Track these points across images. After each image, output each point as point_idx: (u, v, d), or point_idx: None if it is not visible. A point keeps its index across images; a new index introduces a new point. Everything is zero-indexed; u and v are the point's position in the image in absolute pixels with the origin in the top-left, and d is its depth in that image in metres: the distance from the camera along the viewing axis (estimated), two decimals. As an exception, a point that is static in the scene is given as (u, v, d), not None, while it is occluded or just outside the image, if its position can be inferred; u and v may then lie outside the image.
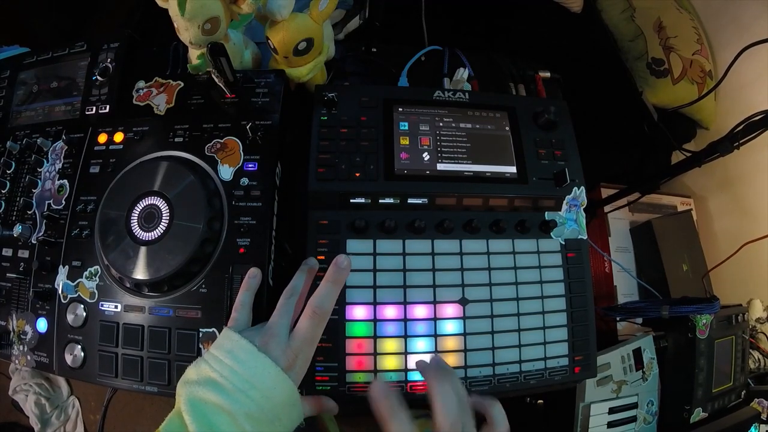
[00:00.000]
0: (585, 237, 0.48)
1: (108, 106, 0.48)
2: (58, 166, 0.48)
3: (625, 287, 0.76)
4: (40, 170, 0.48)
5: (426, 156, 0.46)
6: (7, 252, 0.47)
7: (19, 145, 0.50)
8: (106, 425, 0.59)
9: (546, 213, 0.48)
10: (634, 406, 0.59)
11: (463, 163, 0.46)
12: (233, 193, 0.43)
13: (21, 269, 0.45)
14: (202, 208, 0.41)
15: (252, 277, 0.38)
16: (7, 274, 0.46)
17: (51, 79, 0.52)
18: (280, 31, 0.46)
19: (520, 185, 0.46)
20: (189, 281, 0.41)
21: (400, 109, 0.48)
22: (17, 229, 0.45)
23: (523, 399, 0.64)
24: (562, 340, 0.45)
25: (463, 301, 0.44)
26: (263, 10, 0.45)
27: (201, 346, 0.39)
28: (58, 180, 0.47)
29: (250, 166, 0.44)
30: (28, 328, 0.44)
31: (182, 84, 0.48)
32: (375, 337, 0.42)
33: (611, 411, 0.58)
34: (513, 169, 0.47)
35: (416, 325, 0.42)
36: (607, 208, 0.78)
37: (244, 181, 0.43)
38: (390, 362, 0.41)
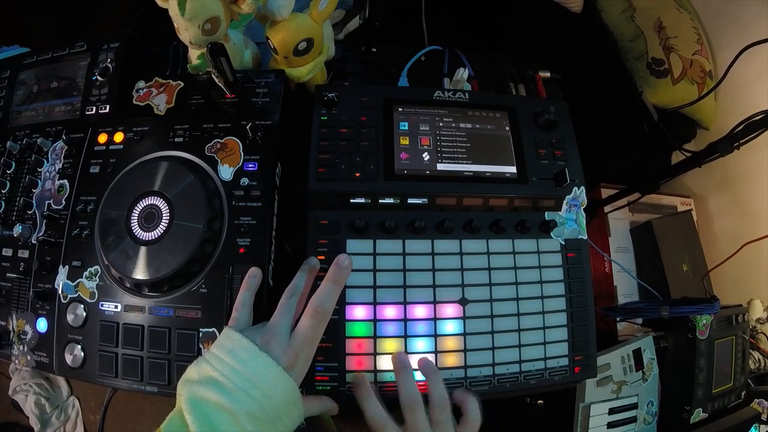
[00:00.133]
0: (585, 237, 0.48)
1: (108, 106, 0.48)
2: (58, 166, 0.48)
3: (625, 287, 0.76)
4: (40, 170, 0.48)
5: (426, 156, 0.46)
6: (7, 252, 0.47)
7: (19, 145, 0.50)
8: (106, 425, 0.59)
9: (546, 213, 0.48)
10: (634, 406, 0.59)
11: (463, 163, 0.46)
12: (233, 193, 0.43)
13: (21, 269, 0.45)
14: (202, 208, 0.41)
15: (252, 276, 0.38)
16: (7, 274, 0.46)
17: (51, 79, 0.52)
18: (280, 31, 0.46)
19: (520, 185, 0.46)
20: (189, 281, 0.41)
21: (400, 109, 0.48)
22: (17, 229, 0.45)
23: (523, 399, 0.64)
24: (562, 340, 0.45)
25: (463, 301, 0.44)
26: (263, 10, 0.45)
27: (201, 346, 0.39)
28: (58, 180, 0.47)
29: (250, 166, 0.44)
30: (28, 328, 0.44)
31: (182, 84, 0.48)
32: (375, 337, 0.42)
33: (611, 411, 0.58)
34: (513, 169, 0.47)
35: (416, 325, 0.42)
36: (607, 208, 0.78)
37: (244, 181, 0.43)
38: (390, 362, 0.41)
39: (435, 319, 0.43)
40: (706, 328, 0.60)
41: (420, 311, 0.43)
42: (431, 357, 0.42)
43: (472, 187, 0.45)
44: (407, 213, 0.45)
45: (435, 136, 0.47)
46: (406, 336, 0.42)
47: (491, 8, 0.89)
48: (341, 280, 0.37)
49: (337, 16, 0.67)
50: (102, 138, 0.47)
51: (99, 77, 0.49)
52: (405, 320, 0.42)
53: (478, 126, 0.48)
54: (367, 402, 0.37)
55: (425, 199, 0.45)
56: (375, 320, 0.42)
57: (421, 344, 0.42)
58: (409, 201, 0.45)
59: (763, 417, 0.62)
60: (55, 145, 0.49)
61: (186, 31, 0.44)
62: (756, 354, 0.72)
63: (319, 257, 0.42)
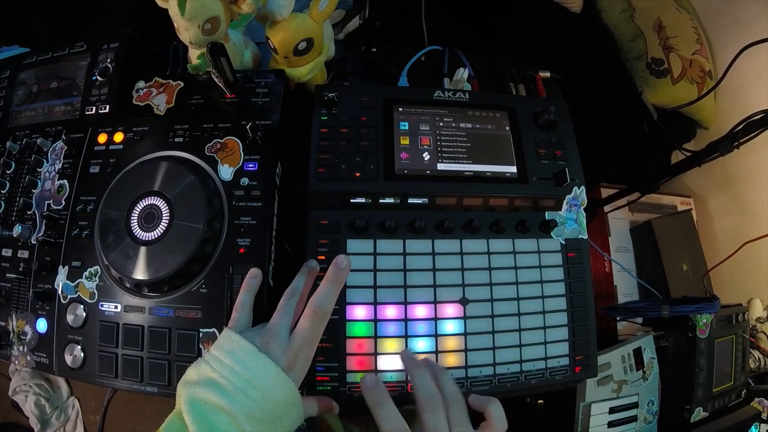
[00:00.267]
0: (585, 237, 0.48)
1: (108, 106, 0.48)
2: (58, 166, 0.48)
3: (625, 287, 0.76)
4: (39, 170, 0.48)
5: (426, 156, 0.46)
6: (7, 252, 0.47)
7: (19, 145, 0.50)
8: (106, 426, 0.59)
9: (546, 213, 0.48)
10: (635, 405, 0.59)
11: (463, 163, 0.46)
12: (233, 193, 0.43)
13: (21, 269, 0.45)
14: (202, 208, 0.41)
15: (252, 277, 0.38)
16: (7, 275, 0.46)
17: (51, 79, 0.52)
18: (280, 31, 0.46)
19: (520, 185, 0.46)
20: (189, 281, 0.41)
21: (400, 109, 0.48)
22: (17, 230, 0.45)
23: (523, 399, 0.64)
24: (563, 340, 0.45)
25: (464, 301, 0.44)
26: (263, 10, 0.45)
27: (201, 346, 0.39)
28: (58, 180, 0.47)
29: (250, 166, 0.44)
30: (27, 329, 0.44)
31: (182, 84, 0.48)
32: (375, 337, 0.42)
33: (612, 411, 0.58)
34: (513, 169, 0.47)
35: (417, 325, 0.42)
36: (607, 208, 0.78)
37: (244, 181, 0.43)
38: (390, 362, 0.41)
39: (435, 319, 0.43)
40: (706, 327, 0.60)
41: (420, 311, 0.43)
42: (432, 357, 0.42)
43: (472, 187, 0.45)
44: (407, 213, 0.45)
45: (435, 135, 0.47)
46: (406, 336, 0.42)
47: (491, 8, 0.89)
48: (340, 280, 0.37)
49: (337, 16, 0.67)
50: (102, 138, 0.47)
51: (99, 77, 0.49)
52: (405, 320, 0.42)
53: (478, 126, 0.48)
54: (383, 408, 0.34)
55: (425, 199, 0.45)
56: (375, 320, 0.42)
57: (421, 344, 0.42)
58: (410, 201, 0.45)
59: (764, 416, 0.62)
60: (54, 145, 0.49)
61: (186, 31, 0.44)
62: (756, 353, 0.72)
63: (319, 257, 0.42)
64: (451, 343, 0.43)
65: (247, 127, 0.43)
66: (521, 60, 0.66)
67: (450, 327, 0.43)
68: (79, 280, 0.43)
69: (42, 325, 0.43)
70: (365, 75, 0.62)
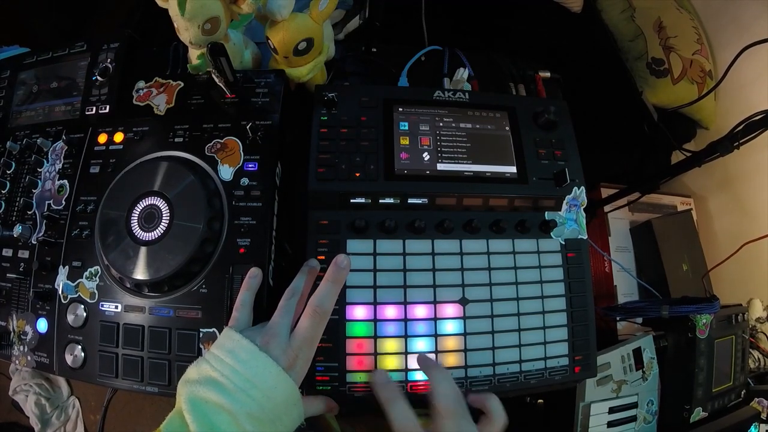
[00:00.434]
0: (585, 237, 0.48)
1: (108, 106, 0.48)
2: (58, 166, 0.48)
3: (625, 287, 0.76)
4: (40, 170, 0.48)
5: (426, 156, 0.46)
6: (7, 252, 0.47)
7: (19, 145, 0.50)
8: (106, 425, 0.59)
9: (546, 213, 0.48)
10: (634, 405, 0.59)
11: (463, 163, 0.46)
12: (233, 193, 0.43)
13: (21, 269, 0.45)
14: (202, 208, 0.41)
15: (252, 277, 0.38)
16: (7, 275, 0.46)
17: (51, 79, 0.52)
18: (280, 31, 0.46)
19: (520, 185, 0.46)
20: (189, 281, 0.41)
21: (400, 109, 0.48)
22: (17, 230, 0.45)
23: (523, 399, 0.64)
24: (562, 340, 0.45)
25: (464, 301, 0.44)
26: (263, 10, 0.45)
27: (201, 346, 0.40)
28: (58, 180, 0.47)
29: (250, 166, 0.44)
30: (28, 329, 0.44)
31: (182, 84, 0.48)
32: (375, 337, 0.42)
33: (611, 410, 0.58)
34: (513, 169, 0.47)
35: (416, 325, 0.42)
36: (607, 208, 0.78)
37: (244, 181, 0.43)
38: (390, 362, 0.41)
39: (435, 319, 0.43)
40: (706, 327, 0.60)
41: (420, 311, 0.43)
42: (431, 357, 0.42)
43: (472, 187, 0.45)
44: (407, 213, 0.45)
45: (435, 136, 0.47)
46: (406, 336, 0.42)
47: (491, 8, 0.89)
48: (340, 279, 0.37)
49: (337, 16, 0.67)
50: (102, 138, 0.47)
51: (99, 77, 0.49)
52: (405, 320, 0.42)
53: (478, 126, 0.48)
54: (395, 406, 0.34)
55: (425, 199, 0.45)
56: (375, 320, 0.42)
57: (421, 344, 0.42)
58: (409, 201, 0.45)
59: (763, 416, 0.62)
60: (55, 145, 0.49)
61: (186, 31, 0.44)
62: (756, 353, 0.72)
63: (319, 257, 0.42)
64: (451, 343, 0.43)
65: (247, 127, 0.43)
66: (521, 60, 0.66)
67: (450, 327, 0.43)
68: (80, 280, 0.43)
69: (42, 324, 0.43)
70: (365, 75, 0.62)
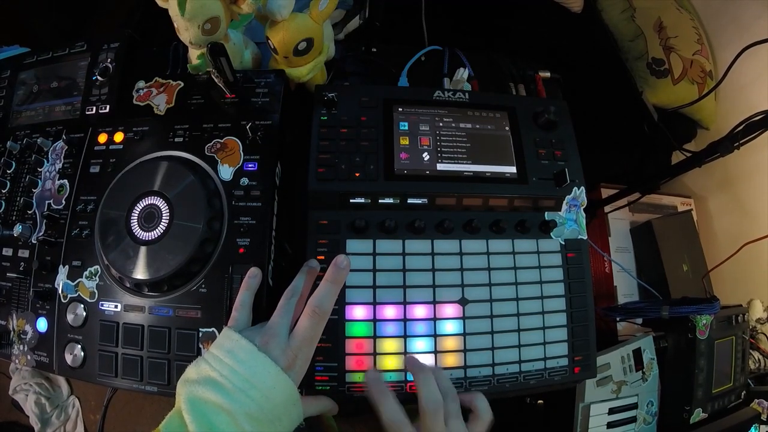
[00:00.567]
0: (585, 237, 0.48)
1: (108, 106, 0.48)
2: (58, 166, 0.48)
3: (625, 287, 0.76)
4: (40, 170, 0.48)
5: (426, 156, 0.46)
6: (7, 252, 0.47)
7: (19, 145, 0.50)
8: (106, 425, 0.60)
9: (546, 213, 0.48)
10: (634, 406, 0.59)
11: (463, 163, 0.46)
12: (233, 193, 0.43)
13: (21, 269, 0.45)
14: (202, 208, 0.41)
15: (252, 276, 0.38)
16: (8, 274, 0.46)
17: (51, 79, 0.52)
18: (280, 31, 0.46)
19: (520, 185, 0.46)
20: (189, 281, 0.41)
21: (400, 109, 0.48)
22: (17, 229, 0.45)
23: (523, 399, 0.64)
24: (562, 341, 0.45)
25: (463, 301, 0.44)
26: (263, 10, 0.45)
27: (201, 345, 0.40)
28: (58, 180, 0.47)
29: (250, 166, 0.44)
30: (28, 328, 0.44)
31: (182, 84, 0.48)
32: (375, 337, 0.42)
33: (611, 411, 0.58)
34: (513, 169, 0.47)
35: (416, 325, 0.42)
36: (607, 208, 0.78)
37: (244, 181, 0.43)
38: (390, 362, 0.41)
39: (435, 319, 0.43)
40: (706, 328, 0.60)
41: (420, 311, 0.43)
42: (431, 357, 0.42)
43: (472, 187, 0.45)
44: (407, 213, 0.45)
45: (435, 136, 0.47)
46: (405, 336, 0.42)
47: (491, 8, 0.89)
48: (339, 280, 0.37)
49: (337, 16, 0.67)
50: (102, 138, 0.47)
51: (99, 77, 0.49)
52: (405, 320, 0.42)
53: (478, 126, 0.48)
54: (383, 401, 0.36)
55: (425, 199, 0.45)
56: (375, 320, 0.42)
57: (420, 344, 0.42)
58: (409, 201, 0.45)
59: (763, 417, 0.62)
60: (55, 145, 0.49)
61: (186, 31, 0.44)
62: (756, 354, 0.72)
63: (318, 257, 0.42)
64: (450, 343, 0.43)
65: (247, 127, 0.43)
66: (521, 60, 0.66)
67: (449, 327, 0.43)
68: (80, 279, 0.43)
69: (42, 324, 0.43)
70: (365, 75, 0.62)
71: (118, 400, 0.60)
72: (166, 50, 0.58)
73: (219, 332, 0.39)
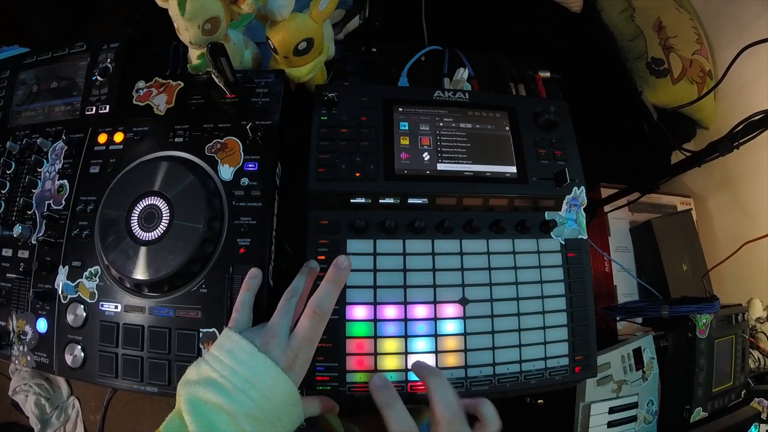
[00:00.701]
0: (585, 237, 0.48)
1: (108, 106, 0.48)
2: (58, 166, 0.48)
3: (625, 287, 0.76)
4: (40, 170, 0.48)
5: (426, 156, 0.46)
6: (7, 252, 0.47)
7: (19, 145, 0.50)
8: (106, 425, 0.59)
9: (546, 213, 0.48)
10: (634, 405, 0.59)
11: (463, 163, 0.46)
12: (233, 193, 0.43)
13: (21, 269, 0.45)
14: (202, 208, 0.41)
15: (252, 277, 0.38)
16: (7, 275, 0.46)
17: (51, 79, 0.52)
18: (280, 31, 0.46)
19: (520, 185, 0.46)
20: (189, 281, 0.41)
21: (400, 109, 0.48)
22: (17, 230, 0.45)
23: (523, 399, 0.64)
24: (562, 340, 0.45)
25: (464, 301, 0.44)
26: (263, 10, 0.45)
27: (201, 346, 0.39)
28: (58, 180, 0.47)
29: (250, 166, 0.44)
30: (28, 329, 0.44)
31: (182, 84, 0.48)
32: (375, 337, 0.42)
33: (611, 411, 0.58)
34: (513, 169, 0.47)
35: (416, 325, 0.42)
36: (607, 208, 0.78)
37: (244, 181, 0.43)
38: (390, 362, 0.41)
39: (435, 319, 0.43)
40: (706, 327, 0.60)
41: (420, 311, 0.43)
42: (431, 357, 0.42)
43: (472, 187, 0.45)
44: (407, 213, 0.45)
45: (435, 136, 0.47)
46: (406, 336, 0.42)
47: (491, 8, 0.89)
48: (340, 280, 0.37)
49: (337, 16, 0.67)
50: (102, 138, 0.47)
51: (99, 77, 0.49)
52: (405, 320, 0.42)
53: (478, 126, 0.48)
54: (392, 409, 0.34)
55: (425, 199, 0.45)
56: (375, 320, 0.42)
57: (421, 344, 0.42)
58: (409, 201, 0.45)
59: (763, 416, 0.62)
60: (55, 145, 0.49)
61: (186, 31, 0.44)
62: (756, 353, 0.72)
63: (319, 257, 0.42)
64: (451, 343, 0.43)
65: (247, 127, 0.43)
66: (521, 60, 0.66)
67: (450, 327, 0.43)
68: (79, 280, 0.43)
69: (42, 324, 0.43)
70: (365, 75, 0.62)
71: (118, 401, 0.60)
72: (166, 50, 0.57)
73: (219, 333, 0.39)
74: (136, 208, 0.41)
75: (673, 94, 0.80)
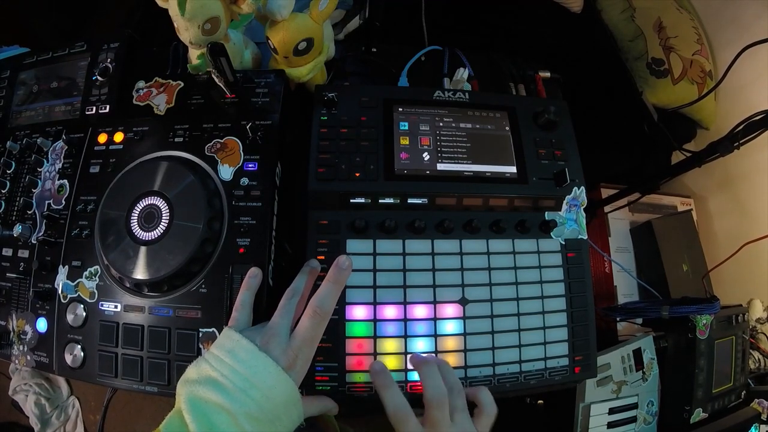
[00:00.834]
0: (585, 237, 0.48)
1: (108, 106, 0.48)
2: (58, 166, 0.48)
3: (625, 287, 0.76)
4: (40, 170, 0.48)
5: (426, 156, 0.46)
6: (7, 252, 0.47)
7: (19, 145, 0.50)
8: (106, 425, 0.59)
9: (546, 213, 0.48)
10: (634, 406, 0.59)
11: (463, 163, 0.46)
12: (233, 193, 0.43)
13: (21, 269, 0.45)
14: (202, 208, 0.41)
15: (252, 276, 0.38)
16: (7, 274, 0.46)
17: (51, 79, 0.52)
18: (280, 31, 0.46)
19: (520, 185, 0.46)
20: (189, 281, 0.41)
21: (400, 109, 0.48)
22: (17, 229, 0.45)
23: (523, 399, 0.64)
24: (562, 340, 0.45)
25: (463, 301, 0.44)
26: (263, 10, 0.45)
27: (201, 346, 0.39)
28: (58, 180, 0.47)
29: (250, 166, 0.44)
30: (28, 328, 0.44)
31: (182, 84, 0.48)
32: (375, 337, 0.42)
33: (611, 411, 0.58)
34: (513, 169, 0.47)
35: (416, 325, 0.42)
36: (607, 208, 0.78)
37: (244, 181, 0.43)
38: (390, 362, 0.41)
39: (435, 319, 0.43)
40: (706, 328, 0.60)
41: (420, 311, 0.43)
42: (425, 356, 0.42)
43: (472, 187, 0.45)
44: (407, 213, 0.45)
45: (435, 136, 0.47)
46: (406, 336, 0.42)
47: (491, 8, 0.89)
48: (341, 280, 0.37)
49: (337, 16, 0.67)
50: (102, 138, 0.47)
51: (99, 77, 0.49)
52: (405, 320, 0.42)
53: (478, 126, 0.48)
54: (388, 391, 0.36)
55: (425, 199, 0.45)
56: (375, 320, 0.42)
57: (421, 344, 0.42)
58: (409, 201, 0.45)
59: (763, 417, 0.62)
60: (55, 145, 0.49)
61: (186, 31, 0.44)
62: (756, 354, 0.72)
63: (319, 257, 0.42)
64: (451, 343, 0.43)
65: (247, 127, 0.43)
66: (521, 60, 0.66)
67: (449, 327, 0.43)
68: (79, 279, 0.43)
69: (42, 324, 0.43)
70: (365, 75, 0.62)
71: (118, 401, 0.60)
72: (166, 50, 0.57)
73: (219, 332, 0.39)
74: (136, 207, 0.41)
75: (673, 95, 0.80)
